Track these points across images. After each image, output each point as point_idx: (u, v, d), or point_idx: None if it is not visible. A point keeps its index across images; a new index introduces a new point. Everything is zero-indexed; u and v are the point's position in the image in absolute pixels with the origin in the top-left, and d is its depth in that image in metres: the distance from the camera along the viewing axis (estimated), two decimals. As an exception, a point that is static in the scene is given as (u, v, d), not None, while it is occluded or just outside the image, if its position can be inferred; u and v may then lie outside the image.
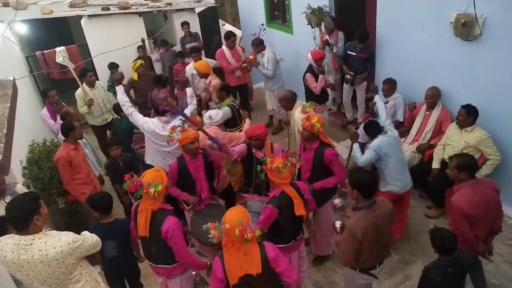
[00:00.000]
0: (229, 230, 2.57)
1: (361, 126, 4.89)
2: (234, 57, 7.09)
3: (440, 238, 3.01)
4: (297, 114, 4.77)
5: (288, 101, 5.01)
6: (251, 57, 6.86)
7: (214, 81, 5.98)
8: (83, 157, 4.74)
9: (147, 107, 6.99)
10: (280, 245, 3.38)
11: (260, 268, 2.63)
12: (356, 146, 4.30)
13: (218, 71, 7.09)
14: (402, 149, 4.58)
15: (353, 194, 3.04)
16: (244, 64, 7.04)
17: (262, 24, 7.04)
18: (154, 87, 6.38)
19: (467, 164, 3.23)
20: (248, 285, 2.66)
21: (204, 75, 6.28)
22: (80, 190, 4.57)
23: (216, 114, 4.97)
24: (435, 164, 4.76)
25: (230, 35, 7.10)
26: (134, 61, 6.96)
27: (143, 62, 7.03)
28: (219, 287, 2.72)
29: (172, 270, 3.31)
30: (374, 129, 4.21)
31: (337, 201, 3.55)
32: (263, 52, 6.90)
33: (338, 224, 3.30)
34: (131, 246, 3.63)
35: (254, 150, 4.18)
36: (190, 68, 6.96)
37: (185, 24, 8.22)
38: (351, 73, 6.15)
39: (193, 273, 3.65)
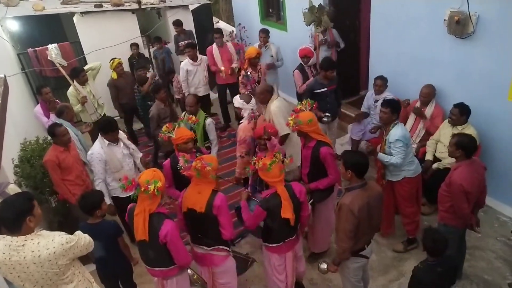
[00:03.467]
0: (192, 164, 3.12)
1: (352, 124, 4.90)
2: (223, 56, 7.04)
3: (431, 241, 3.04)
4: (272, 107, 4.78)
5: (268, 94, 4.93)
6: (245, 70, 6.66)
7: None
8: (75, 157, 4.58)
9: (132, 109, 7.00)
10: (271, 245, 3.43)
11: (203, 209, 3.13)
12: (381, 155, 4.17)
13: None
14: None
15: (347, 175, 3.19)
16: (235, 65, 7.00)
17: (244, 27, 7.01)
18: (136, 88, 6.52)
19: (464, 143, 3.40)
20: (191, 217, 3.24)
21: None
22: (71, 191, 4.47)
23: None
24: (428, 156, 4.79)
25: (215, 32, 7.09)
26: (111, 60, 6.75)
27: (121, 60, 6.84)
28: (180, 212, 3.34)
29: (169, 272, 3.27)
30: (396, 104, 4.11)
31: (323, 266, 3.53)
32: (267, 44, 6.97)
33: (324, 265, 3.46)
34: (120, 248, 3.56)
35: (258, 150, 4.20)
36: (186, 64, 6.92)
37: (176, 24, 8.08)
38: (327, 114, 5.37)
39: (189, 271, 3.63)
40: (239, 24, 7.05)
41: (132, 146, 4.72)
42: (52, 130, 4.42)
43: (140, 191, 2.91)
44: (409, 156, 4.12)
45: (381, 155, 4.16)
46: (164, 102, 5.63)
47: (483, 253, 4.31)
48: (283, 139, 4.81)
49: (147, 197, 2.94)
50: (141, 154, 4.80)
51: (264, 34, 7.01)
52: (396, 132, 4.01)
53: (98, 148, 4.38)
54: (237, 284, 3.69)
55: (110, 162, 4.38)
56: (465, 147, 3.39)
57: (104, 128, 4.38)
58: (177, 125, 4.05)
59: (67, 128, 4.63)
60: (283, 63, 7.11)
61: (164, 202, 3.27)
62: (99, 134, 4.44)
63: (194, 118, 4.46)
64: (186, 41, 7.90)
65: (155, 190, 2.89)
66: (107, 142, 4.37)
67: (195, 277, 3.68)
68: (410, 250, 4.50)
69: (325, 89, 5.36)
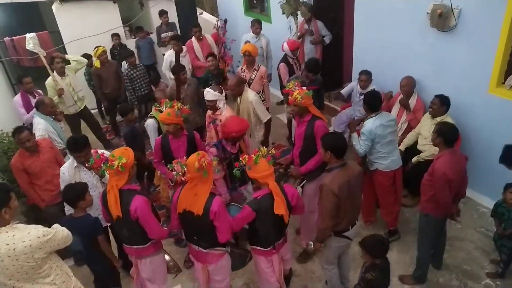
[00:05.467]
0: (189, 165, 2.96)
1: (335, 117, 4.91)
2: (203, 49, 6.97)
3: (375, 243, 3.07)
4: (251, 97, 4.80)
5: (241, 85, 4.94)
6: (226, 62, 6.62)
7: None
8: (46, 162, 4.20)
9: (116, 100, 6.88)
10: (258, 248, 3.35)
11: (201, 212, 3.00)
12: (354, 136, 4.26)
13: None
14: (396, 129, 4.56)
15: (326, 156, 3.31)
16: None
17: (225, 21, 6.90)
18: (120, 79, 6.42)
19: (443, 131, 3.44)
20: (186, 218, 3.11)
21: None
22: (41, 196, 4.24)
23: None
24: (401, 147, 4.84)
25: (193, 26, 7.00)
26: (95, 48, 6.66)
27: (105, 48, 6.78)
28: (174, 211, 3.20)
29: (143, 251, 3.31)
30: (374, 101, 4.13)
31: (310, 246, 3.59)
32: (258, 35, 6.93)
33: (310, 245, 3.52)
34: (98, 247, 3.45)
35: (228, 147, 4.07)
36: (170, 55, 6.81)
37: (164, 13, 8.02)
38: None
39: (167, 258, 3.62)
40: (219, 19, 6.95)
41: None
42: (13, 134, 4.11)
43: (107, 166, 3.03)
44: (381, 152, 4.15)
45: (354, 136, 4.27)
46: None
47: (462, 244, 4.38)
48: (268, 124, 4.94)
49: (114, 173, 3.04)
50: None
51: (258, 25, 6.94)
52: (366, 124, 4.10)
53: (66, 167, 3.87)
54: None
55: None
56: (444, 134, 3.41)
57: (70, 147, 3.84)
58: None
59: (32, 133, 4.28)
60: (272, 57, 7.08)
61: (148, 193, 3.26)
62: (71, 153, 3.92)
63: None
64: (169, 33, 7.79)
65: (119, 166, 2.98)
66: (75, 163, 3.81)
67: (171, 263, 3.68)
68: (392, 242, 4.54)
69: (304, 88, 5.32)
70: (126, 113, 5.22)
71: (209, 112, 4.81)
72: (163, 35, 7.92)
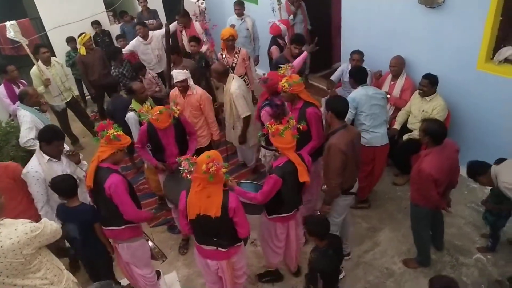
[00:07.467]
0: (197, 164, 2.79)
1: (325, 98, 4.90)
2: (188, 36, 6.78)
3: (314, 224, 3.14)
4: (233, 89, 4.69)
5: (219, 75, 4.83)
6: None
7: None
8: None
9: (102, 87, 6.70)
10: (281, 215, 3.43)
11: (219, 213, 2.85)
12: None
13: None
14: (386, 108, 4.63)
15: (328, 116, 3.50)
16: (204, 48, 6.53)
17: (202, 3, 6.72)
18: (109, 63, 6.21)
19: (430, 129, 3.33)
20: (203, 223, 2.92)
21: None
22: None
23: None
24: (396, 125, 4.91)
25: (177, 14, 6.77)
26: (81, 34, 6.52)
27: (90, 35, 6.68)
28: (183, 218, 3.03)
29: (120, 234, 3.34)
30: (359, 75, 4.40)
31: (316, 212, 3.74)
32: (242, 17, 6.80)
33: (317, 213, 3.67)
34: (94, 234, 3.44)
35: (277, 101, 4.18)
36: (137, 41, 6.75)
37: None
38: None
39: (150, 244, 3.64)
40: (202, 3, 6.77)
41: (73, 164, 3.92)
42: None
43: (103, 132, 3.18)
44: (364, 124, 4.25)
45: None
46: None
47: (453, 220, 4.44)
48: (246, 121, 4.83)
49: (104, 141, 3.18)
50: (85, 169, 3.96)
51: (239, 6, 6.81)
52: (352, 93, 4.33)
53: (35, 165, 3.60)
54: None
55: None
56: (431, 132, 3.32)
57: (45, 136, 3.66)
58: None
59: None
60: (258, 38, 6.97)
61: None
62: (38, 148, 3.70)
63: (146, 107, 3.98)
64: (151, 21, 7.60)
65: (112, 134, 3.15)
66: (47, 157, 3.65)
67: (156, 250, 3.70)
68: (360, 208, 4.77)
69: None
70: (115, 86, 5.39)
71: (174, 92, 4.75)
72: (147, 22, 7.63)
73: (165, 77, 5.81)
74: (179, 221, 3.28)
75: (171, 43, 5.60)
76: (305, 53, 4.90)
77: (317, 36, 5.29)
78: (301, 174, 3.19)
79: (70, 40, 7.15)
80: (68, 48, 7.27)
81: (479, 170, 3.39)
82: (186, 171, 2.83)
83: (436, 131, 3.32)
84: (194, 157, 2.93)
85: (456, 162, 3.55)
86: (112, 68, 6.30)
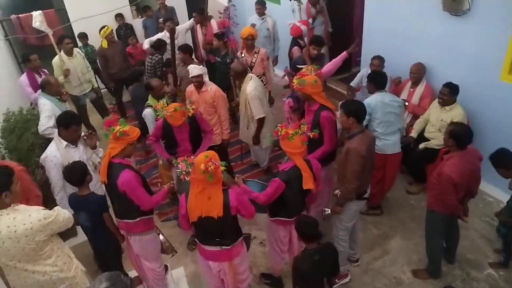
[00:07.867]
0: (195, 165, 2.76)
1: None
2: (206, 36, 6.82)
3: (302, 225, 3.05)
4: (249, 90, 4.68)
5: (237, 74, 4.87)
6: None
7: None
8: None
9: (122, 80, 6.78)
10: (282, 219, 3.42)
11: (221, 212, 2.83)
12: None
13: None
14: (402, 116, 4.59)
15: (348, 122, 3.44)
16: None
17: (233, 5, 6.74)
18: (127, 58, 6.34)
19: (456, 132, 3.31)
20: (206, 225, 2.89)
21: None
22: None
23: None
24: (413, 134, 4.83)
25: (194, 11, 6.78)
26: (103, 27, 6.61)
27: (112, 28, 6.78)
28: (184, 220, 3.00)
29: (133, 227, 3.37)
30: (378, 79, 4.36)
31: (327, 211, 3.65)
32: (263, 17, 6.79)
33: (327, 211, 3.66)
34: (104, 224, 3.47)
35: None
36: (163, 36, 6.71)
37: None
38: None
39: (161, 238, 3.68)
40: (230, 1, 6.80)
41: (89, 150, 4.03)
42: None
43: (110, 129, 3.18)
44: (377, 131, 4.21)
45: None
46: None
47: (466, 232, 4.35)
48: (260, 122, 4.83)
49: (112, 138, 3.19)
50: (101, 155, 4.08)
51: (260, 6, 6.80)
52: (368, 99, 4.27)
53: (53, 150, 3.71)
54: None
55: None
56: (456, 135, 3.28)
57: (63, 121, 3.75)
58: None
59: None
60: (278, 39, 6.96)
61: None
62: (56, 134, 3.81)
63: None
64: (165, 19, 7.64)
65: (118, 132, 3.14)
66: (65, 143, 3.75)
67: (167, 244, 3.74)
68: (372, 215, 4.73)
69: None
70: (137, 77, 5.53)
71: (190, 88, 4.80)
72: (160, 20, 7.51)
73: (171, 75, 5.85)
74: (179, 221, 3.21)
75: (185, 41, 5.68)
76: (344, 53, 4.81)
77: (337, 39, 5.27)
78: (305, 181, 3.16)
79: (82, 36, 7.24)
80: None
81: (507, 162, 3.39)
82: (184, 172, 2.86)
83: (462, 135, 3.29)
84: (192, 157, 2.97)
85: (478, 171, 3.48)
86: (149, 58, 6.38)
